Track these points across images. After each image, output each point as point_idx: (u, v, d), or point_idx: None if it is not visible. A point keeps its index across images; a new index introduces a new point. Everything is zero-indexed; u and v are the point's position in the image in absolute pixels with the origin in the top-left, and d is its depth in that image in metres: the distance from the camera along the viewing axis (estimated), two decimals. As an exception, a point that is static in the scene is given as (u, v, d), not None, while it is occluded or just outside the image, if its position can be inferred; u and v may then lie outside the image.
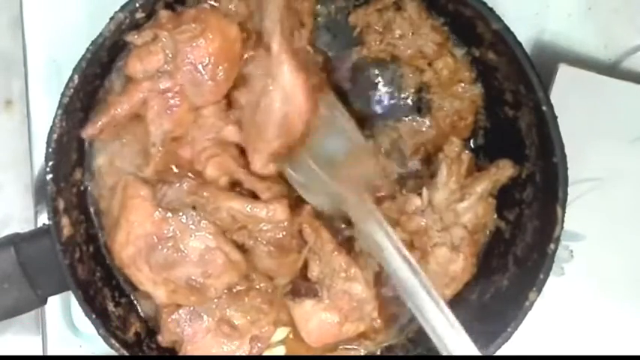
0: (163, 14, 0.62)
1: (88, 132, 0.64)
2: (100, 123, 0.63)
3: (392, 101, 0.70)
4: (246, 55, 0.64)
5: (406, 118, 0.70)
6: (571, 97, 0.70)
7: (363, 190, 0.64)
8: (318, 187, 0.64)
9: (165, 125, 0.63)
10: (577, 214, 0.67)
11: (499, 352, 0.64)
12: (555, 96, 0.68)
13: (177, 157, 0.65)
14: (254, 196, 0.64)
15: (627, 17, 0.74)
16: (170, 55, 0.62)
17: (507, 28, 0.62)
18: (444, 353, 0.60)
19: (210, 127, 0.65)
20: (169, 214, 0.63)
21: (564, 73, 0.70)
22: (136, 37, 0.62)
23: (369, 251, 0.66)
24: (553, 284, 0.68)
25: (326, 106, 0.65)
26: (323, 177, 0.64)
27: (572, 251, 0.73)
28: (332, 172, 0.64)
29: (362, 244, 0.66)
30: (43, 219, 0.72)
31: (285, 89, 0.62)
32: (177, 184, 0.62)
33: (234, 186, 0.65)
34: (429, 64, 0.68)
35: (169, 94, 0.63)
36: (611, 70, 0.74)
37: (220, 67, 0.62)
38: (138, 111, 0.63)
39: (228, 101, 0.65)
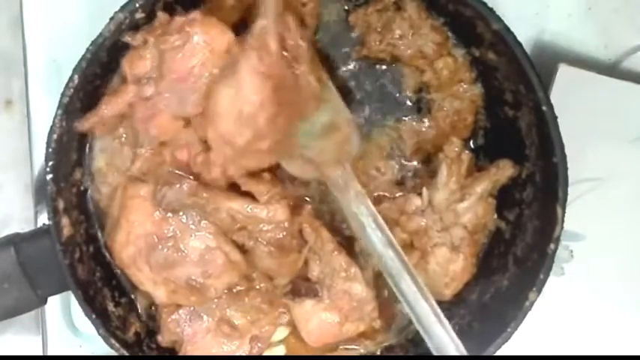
0: (161, 16, 0.61)
1: (78, 129, 0.63)
2: (89, 121, 0.63)
3: (392, 101, 0.70)
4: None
5: (406, 118, 0.70)
6: (571, 97, 0.69)
7: (344, 161, 0.64)
8: (299, 156, 0.64)
9: (150, 131, 0.62)
10: (577, 214, 0.67)
11: (499, 352, 0.64)
12: (555, 96, 0.68)
13: (175, 159, 0.64)
14: (254, 196, 0.64)
15: (627, 17, 0.74)
16: (155, 63, 0.60)
17: (507, 28, 0.62)
18: (430, 345, 0.61)
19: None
20: (169, 214, 0.63)
21: (564, 73, 0.70)
22: (130, 38, 0.61)
23: (353, 230, 0.65)
24: (553, 284, 0.68)
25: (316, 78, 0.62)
26: (305, 146, 0.63)
27: (572, 251, 0.73)
28: (313, 143, 0.63)
29: (350, 225, 0.65)
30: (43, 219, 0.72)
31: (238, 83, 0.57)
32: (177, 185, 0.62)
33: (234, 187, 0.64)
34: (429, 64, 0.68)
35: (152, 102, 0.61)
36: (611, 70, 0.74)
37: (204, 79, 0.59)
38: (127, 112, 0.63)
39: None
